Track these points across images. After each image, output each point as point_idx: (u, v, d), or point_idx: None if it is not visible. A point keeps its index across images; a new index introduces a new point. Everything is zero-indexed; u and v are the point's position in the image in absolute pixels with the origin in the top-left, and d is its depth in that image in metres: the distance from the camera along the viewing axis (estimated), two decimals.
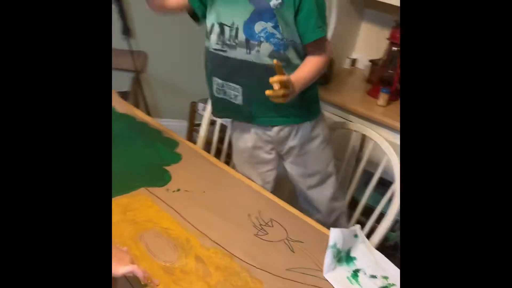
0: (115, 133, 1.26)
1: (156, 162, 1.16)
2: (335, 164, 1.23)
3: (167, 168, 1.14)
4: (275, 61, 0.91)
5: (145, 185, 1.06)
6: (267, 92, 0.91)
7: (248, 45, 1.01)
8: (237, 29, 1.01)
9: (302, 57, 1.05)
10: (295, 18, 0.99)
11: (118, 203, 0.98)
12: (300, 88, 0.99)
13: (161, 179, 1.09)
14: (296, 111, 1.09)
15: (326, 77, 1.61)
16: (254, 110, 1.08)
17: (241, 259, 0.88)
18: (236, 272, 0.85)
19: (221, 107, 1.15)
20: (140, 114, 1.41)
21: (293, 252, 0.93)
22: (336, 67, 1.75)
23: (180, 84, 2.76)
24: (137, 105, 2.77)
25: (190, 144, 1.29)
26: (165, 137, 1.29)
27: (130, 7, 2.61)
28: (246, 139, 1.18)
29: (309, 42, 1.01)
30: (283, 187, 1.32)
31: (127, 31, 2.63)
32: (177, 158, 1.20)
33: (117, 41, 2.75)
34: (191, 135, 2.45)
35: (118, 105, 1.44)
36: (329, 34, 1.87)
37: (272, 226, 1.00)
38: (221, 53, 1.06)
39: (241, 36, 1.01)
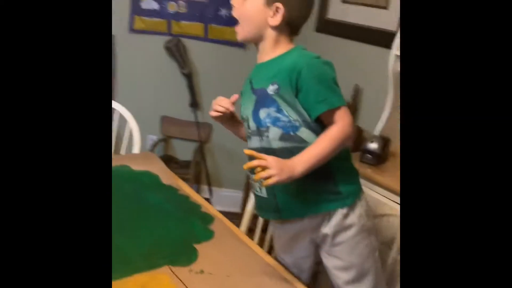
0: (154, 204, 1.26)
1: (187, 238, 1.13)
2: (380, 256, 1.11)
3: (196, 245, 1.10)
4: (245, 150, 0.95)
5: (169, 264, 1.02)
6: (255, 177, 0.93)
7: (259, 133, 1.03)
8: (248, 119, 1.05)
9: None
10: (298, 98, 0.98)
11: (137, 281, 0.94)
12: (307, 168, 0.93)
13: (188, 257, 1.05)
14: (322, 197, 1.02)
15: (379, 157, 1.52)
16: (279, 202, 1.05)
17: None
18: None
19: (257, 203, 1.16)
20: (183, 186, 1.41)
21: None
22: (393, 146, 1.65)
23: (241, 154, 2.79)
24: (199, 174, 2.84)
25: (227, 222, 1.24)
26: (203, 212, 1.26)
27: (198, 82, 2.77)
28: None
29: (315, 118, 0.98)
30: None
31: (194, 104, 2.78)
32: (209, 235, 1.15)
33: (186, 113, 2.91)
34: (245, 206, 2.42)
35: (164, 175, 1.45)
36: (385, 114, 1.80)
37: None
38: (247, 144, 1.09)
39: (252, 125, 1.04)
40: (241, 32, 1.07)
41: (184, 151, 2.85)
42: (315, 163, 0.96)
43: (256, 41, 1.07)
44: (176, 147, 2.91)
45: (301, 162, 0.95)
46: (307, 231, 1.08)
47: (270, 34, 1.04)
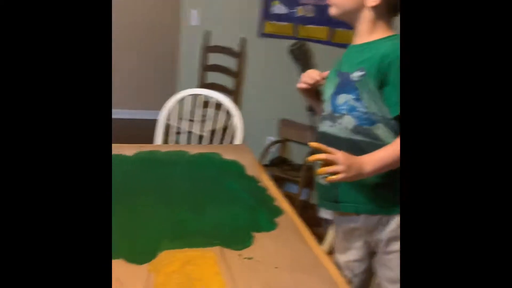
0: (230, 190, 1.30)
1: (248, 225, 1.13)
2: None
3: (255, 234, 1.10)
4: (311, 143, 0.88)
5: (222, 245, 1.03)
6: (319, 171, 0.85)
7: (332, 118, 0.95)
8: (326, 101, 0.98)
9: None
10: (381, 90, 0.87)
11: (186, 255, 0.98)
12: (377, 169, 0.84)
13: (242, 243, 1.05)
14: (382, 199, 0.92)
15: None
16: (340, 192, 0.97)
17: None
18: None
19: (318, 192, 1.10)
20: (265, 180, 1.42)
21: None
22: None
23: None
24: (310, 178, 2.81)
25: (295, 219, 1.21)
26: (274, 205, 1.25)
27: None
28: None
29: (395, 116, 0.87)
30: None
31: (312, 108, 2.77)
32: (271, 227, 1.14)
33: (304, 116, 2.92)
34: None
35: (250, 167, 1.48)
36: None
37: None
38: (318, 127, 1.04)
39: (328, 109, 0.97)
40: (334, 8, 1.02)
41: (298, 154, 2.86)
42: (385, 166, 0.88)
43: (350, 21, 1.01)
44: (292, 149, 2.93)
45: (372, 162, 0.88)
46: (362, 232, 1.00)
47: (367, 15, 0.97)
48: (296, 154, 2.90)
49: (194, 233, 1.07)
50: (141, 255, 0.96)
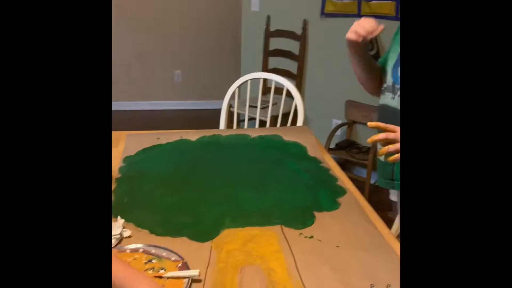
0: (292, 170, 1.29)
1: (310, 205, 1.12)
2: None
3: (317, 213, 1.08)
4: (369, 123, 0.80)
5: (283, 224, 1.03)
6: (379, 152, 0.79)
7: (393, 90, 0.90)
8: (387, 72, 0.93)
9: None
10: None
11: (247, 233, 0.99)
12: None
13: (303, 222, 1.04)
14: None
15: None
16: (395, 170, 0.92)
17: None
18: None
19: (378, 169, 1.05)
20: (328, 160, 1.39)
21: None
22: None
23: None
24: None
25: (359, 198, 1.17)
26: (337, 185, 1.22)
27: None
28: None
29: None
30: None
31: None
32: (334, 206, 1.11)
33: (370, 98, 2.81)
34: None
35: (311, 147, 1.46)
36: None
37: None
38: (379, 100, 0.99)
39: (389, 80, 0.92)
40: None
41: (366, 136, 2.77)
42: None
43: None
44: (359, 132, 2.85)
45: None
46: None
47: None
48: (363, 137, 2.81)
49: (255, 212, 1.08)
50: (204, 233, 0.98)
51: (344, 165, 2.78)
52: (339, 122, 2.85)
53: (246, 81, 1.93)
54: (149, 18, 3.80)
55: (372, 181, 2.59)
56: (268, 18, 2.97)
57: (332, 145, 2.75)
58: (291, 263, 0.90)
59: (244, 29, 3.17)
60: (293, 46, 2.92)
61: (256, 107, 2.13)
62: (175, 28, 3.86)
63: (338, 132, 2.83)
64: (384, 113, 0.97)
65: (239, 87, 1.92)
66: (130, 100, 4.00)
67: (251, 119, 2.77)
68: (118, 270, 0.72)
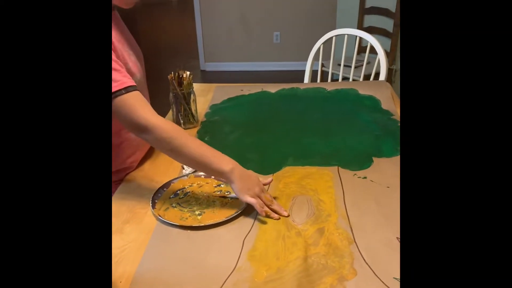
0: (362, 121, 1.36)
1: (371, 151, 1.18)
2: None
3: (376, 159, 1.15)
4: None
5: (340, 165, 1.12)
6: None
7: None
8: None
9: None
10: None
11: (305, 171, 1.11)
12: None
13: (359, 165, 1.12)
14: None
15: None
16: None
17: (359, 251, 0.83)
18: (341, 254, 0.82)
19: None
20: (399, 113, 1.42)
21: None
22: None
23: None
24: None
25: None
26: None
27: None
28: None
29: None
30: None
31: None
32: (394, 153, 1.17)
33: None
34: None
35: (386, 101, 1.49)
36: None
37: None
38: None
39: None
40: None
41: None
42: None
43: None
44: None
45: None
46: None
47: None
48: None
49: (317, 154, 1.18)
50: (269, 168, 1.12)
51: None
52: None
53: (331, 38, 1.97)
54: None
55: None
56: None
57: None
58: (340, 197, 1.00)
59: None
60: (390, 3, 2.84)
61: (348, 66, 2.15)
62: None
63: None
64: None
65: (323, 43, 1.97)
66: (231, 61, 4.24)
67: (345, 78, 2.79)
68: (201, 152, 0.94)
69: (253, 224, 0.91)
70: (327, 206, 0.97)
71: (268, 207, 0.94)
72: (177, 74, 1.33)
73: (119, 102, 0.92)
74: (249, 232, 0.89)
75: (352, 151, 1.19)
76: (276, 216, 0.93)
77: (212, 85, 1.72)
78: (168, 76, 1.33)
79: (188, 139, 0.94)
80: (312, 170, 1.11)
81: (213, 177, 1.08)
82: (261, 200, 0.94)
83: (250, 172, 0.99)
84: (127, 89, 0.93)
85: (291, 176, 1.09)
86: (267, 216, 0.93)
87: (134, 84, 0.96)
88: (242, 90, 1.64)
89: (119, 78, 0.93)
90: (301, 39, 4.06)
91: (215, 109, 1.50)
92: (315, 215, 0.94)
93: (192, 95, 1.35)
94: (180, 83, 1.33)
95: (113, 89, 0.91)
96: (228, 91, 1.64)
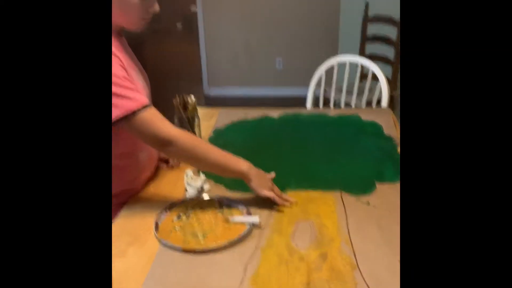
0: (364, 146, 1.37)
1: (373, 175, 1.19)
2: None
3: (378, 184, 1.15)
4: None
5: (343, 189, 1.13)
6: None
7: None
8: None
9: None
10: None
11: (308, 195, 1.11)
12: None
13: (362, 189, 1.12)
14: None
15: None
16: None
17: (363, 277, 0.83)
18: (344, 280, 0.81)
19: None
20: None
21: None
22: None
23: None
24: None
25: None
26: None
27: None
28: None
29: None
30: None
31: None
32: (396, 178, 1.17)
33: None
34: None
35: (387, 127, 1.51)
36: None
37: None
38: None
39: None
40: None
41: None
42: None
43: None
44: None
45: None
46: None
47: None
48: None
49: (319, 178, 1.19)
50: None
51: None
52: None
53: (333, 65, 2.01)
54: (256, 9, 4.02)
55: None
56: (367, 3, 2.97)
57: None
58: (343, 221, 1.00)
59: (342, 15, 3.22)
60: (391, 32, 2.89)
61: (350, 92, 2.16)
62: (278, 18, 4.03)
63: None
64: None
65: (326, 68, 2.00)
66: (235, 85, 4.30)
67: (347, 105, 2.82)
68: (221, 155, 1.03)
69: (255, 249, 0.91)
70: (330, 230, 0.97)
71: (280, 197, 1.06)
72: (182, 98, 1.35)
73: (140, 119, 0.95)
74: (251, 257, 0.89)
75: (355, 176, 1.20)
76: (288, 204, 1.06)
77: (216, 109, 1.74)
78: (173, 100, 1.35)
79: (207, 146, 1.04)
80: (314, 194, 1.11)
81: (216, 199, 1.08)
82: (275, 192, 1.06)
83: (261, 170, 1.08)
84: (145, 107, 0.96)
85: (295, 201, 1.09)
86: (282, 205, 1.05)
87: (149, 102, 0.99)
88: (245, 114, 1.66)
89: (138, 97, 0.96)
90: (303, 65, 4.11)
91: (218, 133, 1.52)
92: (318, 239, 0.94)
93: (196, 119, 1.37)
94: (185, 107, 1.34)
95: (133, 108, 0.94)
96: (232, 115, 1.66)
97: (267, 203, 1.07)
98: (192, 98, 1.36)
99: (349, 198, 1.09)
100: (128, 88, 0.95)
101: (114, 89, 0.92)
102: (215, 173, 1.09)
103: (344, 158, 1.30)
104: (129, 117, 0.94)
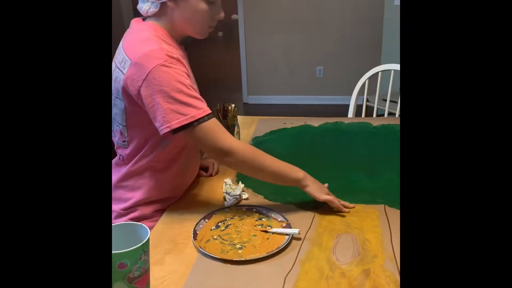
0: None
1: None
2: None
3: None
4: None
5: (387, 204, 1.08)
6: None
7: None
8: None
9: None
10: None
11: (355, 209, 1.07)
12: None
13: None
14: None
15: None
16: None
17: None
18: None
19: None
20: None
21: None
22: None
23: None
24: None
25: None
26: None
27: None
28: None
29: None
30: None
31: None
32: None
33: None
34: None
35: None
36: None
37: None
38: None
39: None
40: None
41: None
42: None
43: None
44: None
45: None
46: None
47: None
48: None
49: (363, 191, 1.15)
50: (312, 202, 1.09)
51: None
52: None
53: (376, 72, 1.96)
54: (297, 18, 4.01)
55: None
56: None
57: None
58: (387, 237, 0.95)
59: (386, 23, 3.15)
60: None
61: (395, 102, 2.12)
62: (318, 26, 4.00)
63: None
64: None
65: (368, 79, 1.96)
66: (274, 94, 4.29)
67: (390, 114, 2.74)
68: (278, 165, 1.04)
69: (295, 262, 0.88)
70: (373, 246, 0.92)
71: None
72: (222, 106, 1.35)
73: (203, 128, 0.96)
74: (290, 270, 0.86)
75: (398, 189, 1.15)
76: (347, 210, 1.06)
77: (255, 117, 1.73)
78: (214, 109, 1.35)
79: (265, 156, 1.03)
80: (358, 207, 1.07)
81: (255, 210, 1.06)
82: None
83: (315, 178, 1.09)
84: (209, 116, 0.97)
85: (335, 213, 1.05)
86: (340, 210, 1.05)
87: (211, 111, 1.00)
88: (285, 123, 1.63)
89: (202, 106, 0.97)
90: (344, 74, 4.05)
91: (257, 141, 1.50)
92: (361, 255, 0.90)
93: (236, 127, 1.36)
94: (225, 115, 1.34)
95: (198, 116, 0.95)
96: (271, 124, 1.64)
97: (307, 216, 1.04)
98: (232, 106, 1.36)
99: (393, 212, 1.05)
100: (193, 96, 0.96)
101: (180, 96, 0.93)
102: (271, 182, 1.07)
103: (388, 170, 1.25)
104: (193, 124, 0.95)
